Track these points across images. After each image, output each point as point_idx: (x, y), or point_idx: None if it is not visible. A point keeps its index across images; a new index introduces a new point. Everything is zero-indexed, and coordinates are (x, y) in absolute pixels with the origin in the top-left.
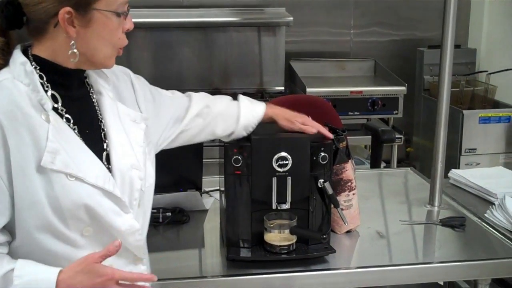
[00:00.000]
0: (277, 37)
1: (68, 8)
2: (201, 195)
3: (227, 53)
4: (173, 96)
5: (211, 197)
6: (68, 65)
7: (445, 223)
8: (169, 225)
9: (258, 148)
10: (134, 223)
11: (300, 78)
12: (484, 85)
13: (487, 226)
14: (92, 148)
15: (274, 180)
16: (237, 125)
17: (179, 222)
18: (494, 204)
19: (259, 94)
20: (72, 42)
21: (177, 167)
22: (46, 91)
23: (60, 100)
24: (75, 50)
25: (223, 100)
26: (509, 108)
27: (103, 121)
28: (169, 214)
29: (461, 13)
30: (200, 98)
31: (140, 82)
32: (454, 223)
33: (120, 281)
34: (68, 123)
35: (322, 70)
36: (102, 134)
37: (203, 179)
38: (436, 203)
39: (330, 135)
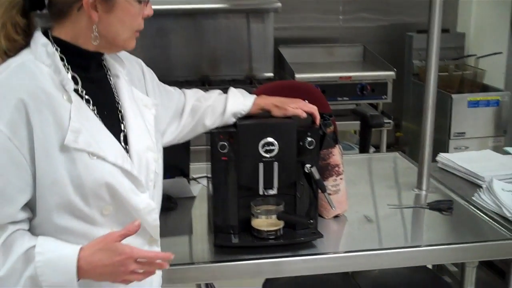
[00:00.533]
0: (265, 23)
1: None
2: (189, 182)
3: (216, 39)
4: (174, 90)
5: (198, 183)
6: (89, 47)
7: (433, 206)
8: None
9: (244, 133)
10: (150, 202)
11: (289, 64)
12: (473, 69)
13: (475, 209)
14: (110, 129)
15: (261, 165)
16: (224, 114)
17: (167, 209)
18: (481, 187)
19: (248, 81)
20: (94, 26)
21: (164, 154)
22: (67, 73)
23: (80, 82)
24: (96, 34)
25: (213, 94)
26: (497, 92)
27: (120, 103)
28: None
29: None
30: (192, 94)
31: (150, 73)
32: (442, 207)
33: (138, 260)
34: (88, 104)
35: (310, 56)
36: (120, 116)
37: (190, 166)
38: (424, 187)
39: (317, 122)
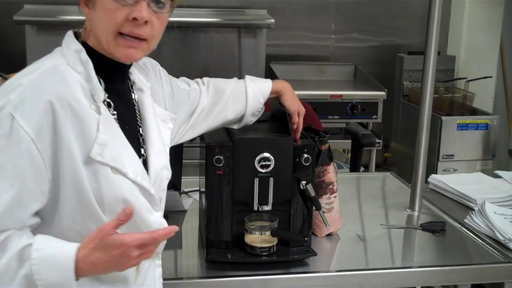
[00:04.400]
0: (257, 39)
1: None
2: (180, 195)
3: (207, 54)
4: (189, 89)
5: (190, 197)
6: (103, 52)
7: (426, 227)
8: None
9: (241, 148)
10: (163, 222)
11: None
12: (463, 92)
13: (467, 232)
14: (130, 143)
15: (256, 181)
16: (246, 103)
17: None
18: (473, 210)
19: None
20: (86, 24)
21: None
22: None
23: (106, 93)
24: (85, 30)
25: (231, 82)
26: (486, 116)
27: (141, 119)
28: None
29: (441, 20)
30: (207, 88)
31: (165, 76)
32: (435, 228)
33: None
34: (113, 116)
35: (302, 73)
36: (140, 133)
37: (182, 180)
38: (417, 208)
39: (297, 138)
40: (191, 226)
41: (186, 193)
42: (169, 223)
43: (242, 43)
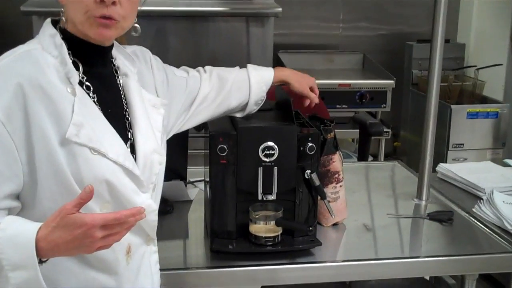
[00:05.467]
0: (265, 28)
1: None
2: (186, 186)
3: (215, 43)
4: (188, 76)
5: (196, 187)
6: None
7: (433, 217)
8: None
9: (245, 137)
10: (151, 203)
11: None
12: (473, 80)
13: (475, 221)
14: (114, 127)
15: (260, 170)
16: (250, 92)
17: (163, 212)
18: (482, 199)
19: None
20: (62, 9)
21: None
22: (75, 65)
23: (85, 76)
24: (62, 16)
25: (233, 70)
26: (496, 104)
27: (127, 103)
28: None
29: (450, 7)
30: (209, 76)
31: (157, 64)
32: (442, 218)
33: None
34: (93, 99)
35: (310, 62)
36: (126, 117)
37: (188, 170)
38: (424, 197)
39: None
40: (197, 216)
41: (192, 183)
42: (175, 213)
43: (250, 32)
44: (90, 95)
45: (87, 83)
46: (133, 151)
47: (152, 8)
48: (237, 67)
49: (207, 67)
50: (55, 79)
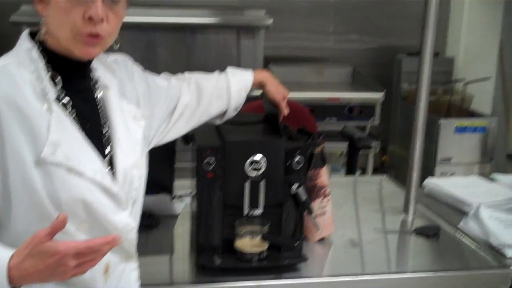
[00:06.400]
0: (256, 40)
1: None
2: (172, 200)
3: (206, 55)
4: (168, 85)
5: (182, 201)
6: (60, 49)
7: (419, 232)
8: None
9: (232, 150)
10: (130, 221)
11: None
12: (461, 94)
13: (461, 236)
14: (91, 142)
15: (247, 184)
16: (230, 99)
17: (149, 226)
18: (468, 214)
19: None
20: (42, 19)
21: (148, 169)
22: (53, 80)
23: (63, 91)
24: (44, 29)
25: (212, 77)
26: (484, 118)
27: (107, 116)
28: None
29: (440, 21)
30: (188, 85)
31: (139, 73)
32: (428, 233)
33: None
34: (71, 115)
35: (300, 75)
36: (105, 131)
37: (175, 183)
38: (411, 212)
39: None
40: (183, 231)
41: (178, 197)
42: (161, 227)
43: (240, 44)
44: (68, 110)
45: (65, 98)
46: (111, 165)
47: (142, 19)
48: (217, 72)
49: (187, 74)
50: (30, 96)
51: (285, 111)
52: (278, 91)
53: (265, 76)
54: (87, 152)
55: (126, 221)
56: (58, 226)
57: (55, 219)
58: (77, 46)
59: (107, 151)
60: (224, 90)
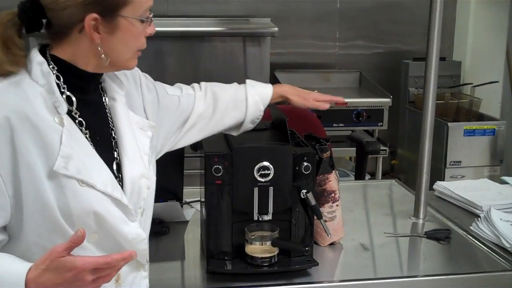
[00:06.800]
0: (262, 47)
1: (94, 15)
2: (182, 206)
3: (212, 63)
4: (181, 95)
5: (192, 208)
6: (88, 68)
7: (430, 235)
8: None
9: (240, 157)
10: (140, 232)
11: None
12: (469, 97)
13: (473, 239)
14: (102, 154)
15: (256, 190)
16: (246, 111)
17: (159, 233)
18: (479, 217)
19: None
20: (99, 47)
21: (158, 177)
22: (62, 93)
23: (75, 103)
24: (103, 56)
25: (231, 88)
26: (493, 121)
27: (114, 128)
28: None
29: (446, 25)
30: (204, 94)
31: (148, 82)
32: (439, 236)
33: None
34: (81, 128)
35: (307, 81)
36: (113, 142)
37: (184, 190)
38: (421, 215)
39: (342, 100)
40: (193, 237)
41: (188, 203)
42: (171, 234)
43: (246, 51)
44: (79, 122)
45: (76, 111)
46: (119, 175)
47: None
48: (235, 84)
49: (203, 84)
50: (42, 110)
51: (325, 105)
52: (304, 97)
53: (284, 89)
54: (97, 164)
55: (137, 232)
56: (76, 241)
57: (73, 234)
58: (133, 62)
59: (115, 162)
60: (241, 101)
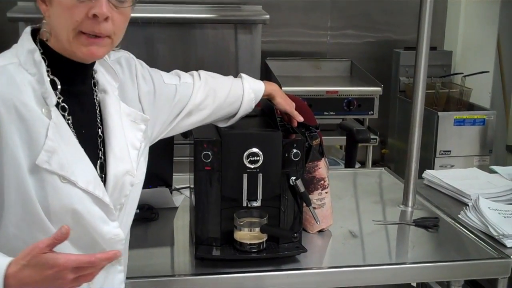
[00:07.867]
0: (253, 35)
1: None
2: (171, 192)
3: (203, 50)
4: (179, 83)
5: (181, 194)
6: (62, 52)
7: (419, 223)
8: (137, 222)
9: (229, 143)
10: (119, 232)
11: (276, 77)
12: (459, 87)
13: (461, 227)
14: (86, 148)
15: (245, 176)
16: (240, 106)
17: (148, 219)
18: (467, 205)
19: None
20: (44, 21)
21: (147, 164)
22: (51, 81)
23: (59, 86)
24: (45, 29)
25: (227, 82)
26: (483, 111)
27: (103, 121)
28: (137, 211)
29: (437, 15)
30: (204, 84)
31: (143, 71)
32: (428, 224)
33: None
34: (68, 121)
35: (298, 69)
36: (99, 135)
37: (173, 176)
38: (410, 204)
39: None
40: (182, 223)
41: (177, 189)
42: (160, 220)
43: (238, 39)
44: (65, 116)
45: (63, 104)
46: (103, 171)
47: (140, 15)
48: (231, 78)
49: (202, 74)
50: (30, 100)
51: (299, 118)
52: (287, 102)
53: (274, 89)
54: (81, 160)
55: (115, 231)
56: (60, 238)
57: (58, 230)
58: (80, 48)
59: (99, 161)
60: (237, 98)
